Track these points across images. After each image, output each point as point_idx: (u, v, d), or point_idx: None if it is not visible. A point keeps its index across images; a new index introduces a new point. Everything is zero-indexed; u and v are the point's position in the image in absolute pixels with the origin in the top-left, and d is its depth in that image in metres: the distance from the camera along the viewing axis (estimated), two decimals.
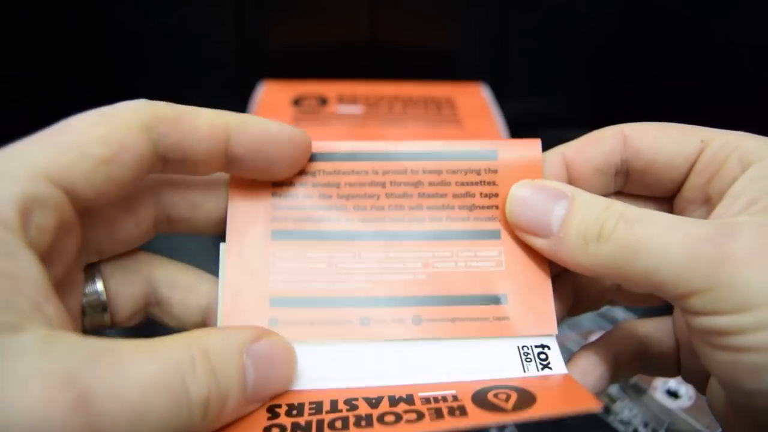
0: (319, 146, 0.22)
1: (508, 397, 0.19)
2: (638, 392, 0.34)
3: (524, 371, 0.21)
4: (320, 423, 0.18)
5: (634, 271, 0.18)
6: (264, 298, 0.21)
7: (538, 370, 0.21)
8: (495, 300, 0.22)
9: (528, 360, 0.21)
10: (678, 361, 0.24)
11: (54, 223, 0.16)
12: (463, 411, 0.18)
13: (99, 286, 0.21)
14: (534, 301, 0.22)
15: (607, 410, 0.34)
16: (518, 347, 0.21)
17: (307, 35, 0.48)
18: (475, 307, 0.22)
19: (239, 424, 0.18)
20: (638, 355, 0.24)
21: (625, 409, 0.34)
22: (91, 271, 0.21)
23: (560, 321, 0.22)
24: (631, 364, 0.24)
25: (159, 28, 0.46)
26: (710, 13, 0.43)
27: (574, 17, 0.48)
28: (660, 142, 0.22)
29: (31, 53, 0.44)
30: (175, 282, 0.22)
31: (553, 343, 0.21)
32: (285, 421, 0.18)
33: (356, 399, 0.19)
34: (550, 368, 0.21)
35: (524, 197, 0.21)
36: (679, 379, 0.35)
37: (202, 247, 0.29)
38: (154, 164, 0.19)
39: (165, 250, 0.23)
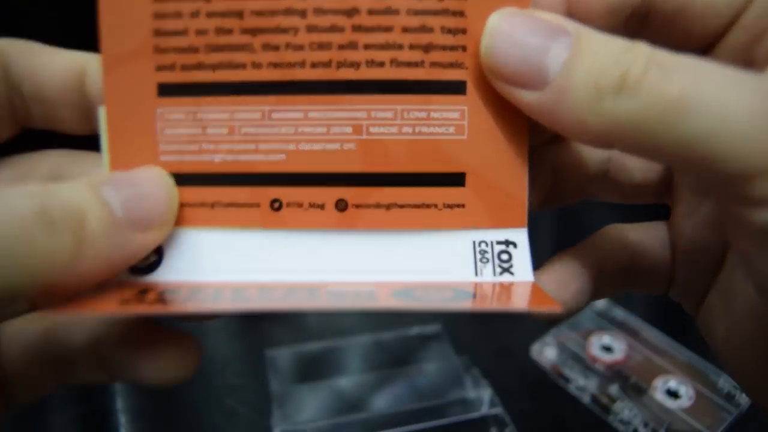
0: None
1: (440, 293, 0.16)
2: (638, 392, 0.34)
3: (476, 274, 0.17)
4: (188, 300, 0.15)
5: (670, 136, 0.13)
6: None
7: (494, 275, 0.16)
8: (450, 180, 0.17)
9: (484, 260, 0.17)
10: (670, 275, 0.20)
11: None
12: (372, 296, 0.15)
13: None
14: (502, 182, 0.17)
15: (607, 410, 0.34)
16: (473, 242, 0.17)
17: None
18: (422, 190, 0.17)
19: (99, 295, 0.15)
20: (626, 266, 0.20)
21: (625, 409, 0.34)
22: None
23: (531, 211, 0.18)
24: (617, 277, 0.20)
25: None
26: None
27: None
28: None
29: None
30: (29, 57, 0.18)
31: (521, 240, 0.17)
32: (150, 297, 0.15)
33: (247, 289, 0.16)
34: (512, 273, 0.17)
35: (508, 31, 0.16)
36: (679, 378, 0.35)
37: None
38: None
39: None
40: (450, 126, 0.17)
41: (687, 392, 0.34)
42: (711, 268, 0.19)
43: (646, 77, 0.14)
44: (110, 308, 0.15)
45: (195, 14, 0.16)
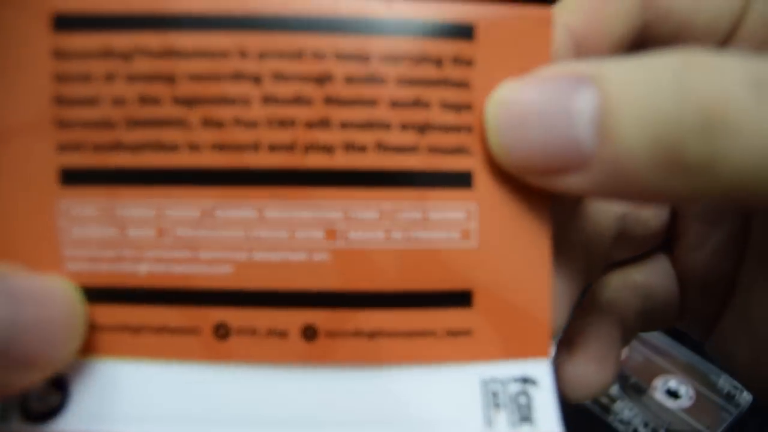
0: (122, 2, 0.12)
1: None
2: (638, 392, 0.34)
3: (488, 425, 0.13)
4: None
5: None
6: None
7: (509, 426, 0.13)
8: (453, 300, 0.13)
9: (496, 405, 0.13)
10: (679, 307, 0.19)
11: None
12: None
13: None
14: (520, 300, 0.13)
15: (607, 410, 0.34)
16: (482, 382, 0.13)
17: None
18: (416, 313, 0.13)
19: None
20: (641, 312, 0.18)
21: (625, 409, 0.34)
22: None
23: (568, 316, 0.15)
24: (636, 326, 0.18)
25: None
26: None
27: None
28: None
29: None
30: None
31: (543, 375, 0.13)
32: None
33: None
34: (531, 422, 0.13)
35: (525, 102, 0.12)
36: (679, 378, 0.35)
37: None
38: None
39: None
40: (453, 230, 0.13)
41: (687, 392, 0.34)
42: (723, 293, 0.19)
43: (751, 103, 0.10)
44: None
45: (110, 77, 0.12)
